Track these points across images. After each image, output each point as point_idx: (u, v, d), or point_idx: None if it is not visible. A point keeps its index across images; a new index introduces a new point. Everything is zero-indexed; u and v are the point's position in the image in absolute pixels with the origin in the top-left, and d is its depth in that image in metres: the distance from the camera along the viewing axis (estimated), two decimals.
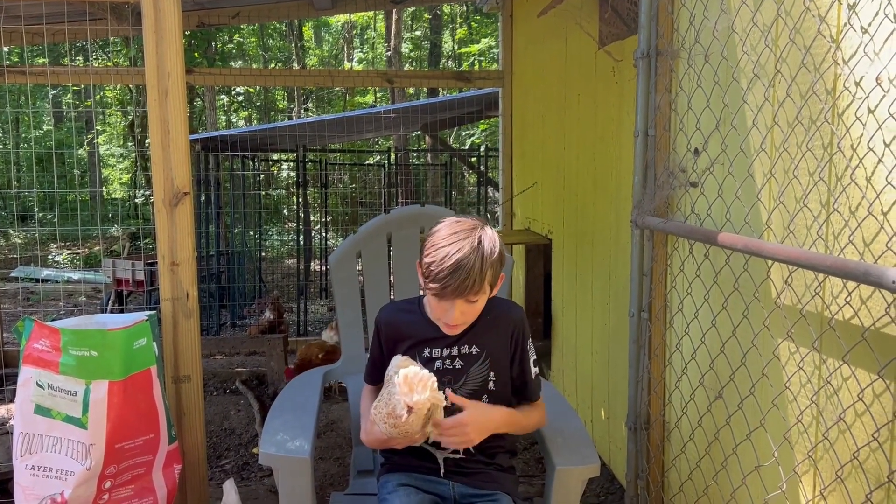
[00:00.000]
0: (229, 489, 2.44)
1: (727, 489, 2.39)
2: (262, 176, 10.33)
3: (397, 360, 1.82)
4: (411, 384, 1.76)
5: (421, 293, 1.95)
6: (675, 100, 2.62)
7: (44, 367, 2.30)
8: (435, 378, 1.78)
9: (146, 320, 2.39)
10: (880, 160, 1.70)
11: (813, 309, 1.96)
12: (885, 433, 1.76)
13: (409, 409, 1.74)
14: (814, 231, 1.92)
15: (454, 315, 1.78)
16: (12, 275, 10.33)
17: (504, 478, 1.99)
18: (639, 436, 2.88)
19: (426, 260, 1.74)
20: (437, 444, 1.90)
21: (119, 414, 2.29)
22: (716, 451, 2.47)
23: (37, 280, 10.16)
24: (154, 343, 2.40)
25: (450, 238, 1.74)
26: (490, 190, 9.45)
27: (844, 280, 1.77)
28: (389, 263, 2.71)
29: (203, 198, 8.09)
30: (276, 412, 2.17)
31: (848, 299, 1.81)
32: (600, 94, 3.56)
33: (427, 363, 1.90)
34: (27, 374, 2.31)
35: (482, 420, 1.83)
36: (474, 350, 1.92)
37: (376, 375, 1.96)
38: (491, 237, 1.78)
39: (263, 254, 10.16)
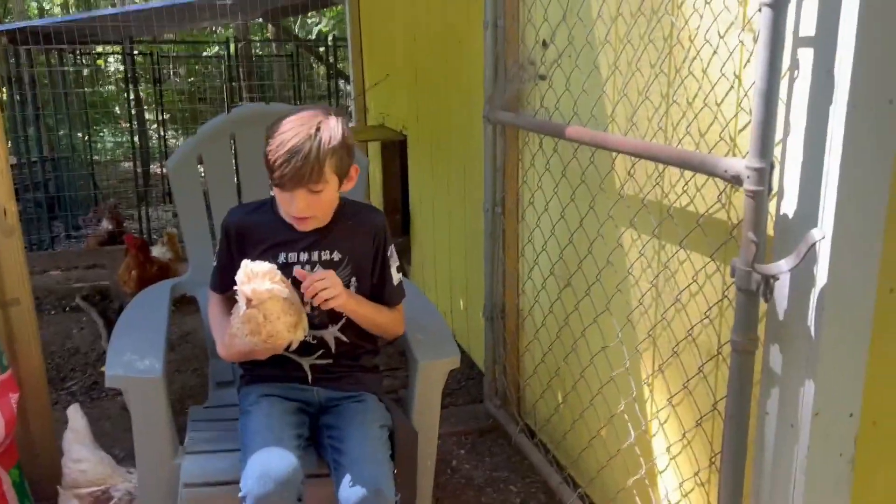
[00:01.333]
0: (74, 414, 2.42)
1: (577, 369, 2.59)
2: (86, 71, 9.76)
3: (246, 263, 1.82)
4: (249, 274, 1.77)
5: (271, 193, 1.96)
6: None
7: None
8: (277, 270, 1.81)
9: None
10: (715, 52, 1.79)
11: (653, 198, 2.07)
12: (715, 311, 1.91)
13: (249, 302, 1.75)
14: (654, 123, 2.02)
15: (298, 206, 1.79)
16: None
17: (368, 378, 2.06)
18: (495, 324, 3.09)
19: (266, 150, 1.78)
20: (300, 352, 1.94)
21: None
22: (566, 336, 2.66)
23: None
24: None
25: (288, 125, 1.77)
26: (342, 83, 9.20)
27: (682, 170, 1.88)
28: (236, 167, 2.73)
29: (18, 98, 7.70)
30: (122, 331, 2.16)
31: (685, 188, 1.92)
32: None
33: (283, 269, 1.90)
34: None
35: (340, 285, 1.87)
36: (336, 256, 1.95)
37: (226, 283, 1.95)
38: (333, 125, 1.80)
39: (95, 157, 9.55)
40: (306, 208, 1.81)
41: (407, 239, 4.69)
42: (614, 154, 2.20)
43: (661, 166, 2.01)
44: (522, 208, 2.90)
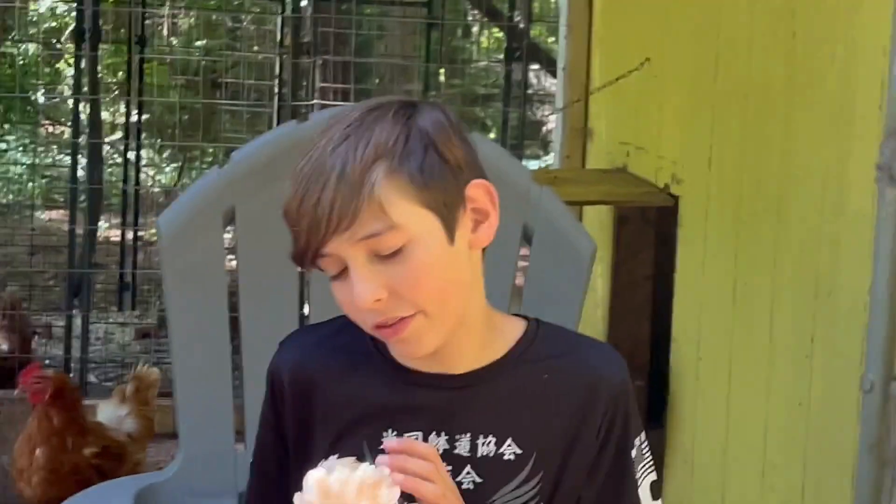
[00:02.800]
0: None
1: None
2: None
3: (316, 472, 1.30)
4: (341, 498, 1.32)
5: None
6: None
7: None
8: (391, 482, 1.32)
9: None
10: None
11: None
12: None
13: None
14: None
15: (356, 287, 1.32)
16: None
17: None
18: None
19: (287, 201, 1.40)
20: None
21: None
22: None
23: None
24: None
25: (321, 134, 1.39)
26: (535, 73, 6.64)
27: None
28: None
29: None
30: None
31: None
32: None
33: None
34: None
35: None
36: (509, 450, 1.44)
37: (273, 501, 1.51)
38: (399, 111, 1.36)
39: None
40: (373, 291, 1.33)
41: (658, 439, 3.36)
42: None
43: None
44: None
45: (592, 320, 3.93)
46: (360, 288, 1.32)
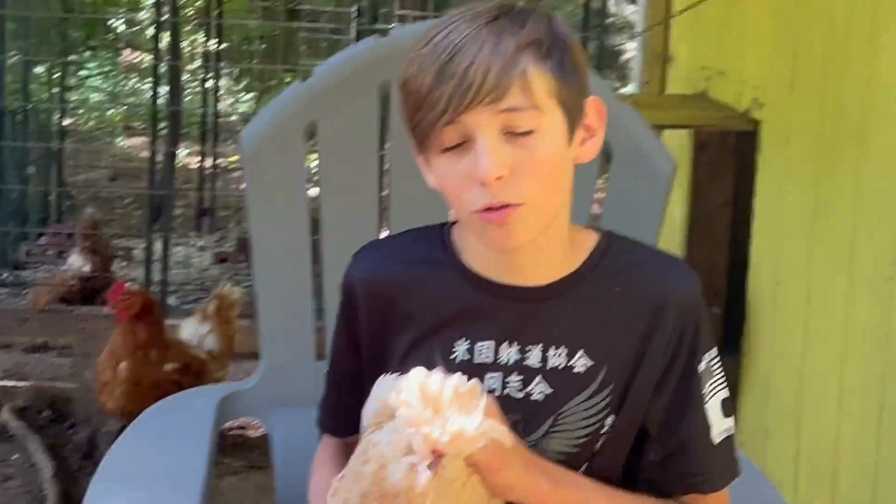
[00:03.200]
0: None
1: None
2: None
3: (414, 374, 1.28)
4: (438, 401, 1.27)
5: (450, 218, 1.52)
6: None
7: None
8: (483, 390, 1.29)
9: None
10: None
11: None
12: None
13: (436, 458, 1.24)
14: None
15: (485, 157, 1.28)
16: None
17: None
18: None
19: (402, 80, 1.33)
20: None
21: None
22: None
23: None
24: None
25: (441, 24, 1.34)
26: (615, 1, 6.52)
27: None
28: (382, 154, 1.97)
29: None
30: (112, 483, 1.63)
31: None
32: None
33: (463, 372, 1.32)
34: None
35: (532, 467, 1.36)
36: (580, 362, 1.40)
37: (348, 413, 1.42)
38: (537, 15, 1.35)
39: (68, 121, 6.69)
40: (500, 165, 1.28)
41: (734, 365, 3.22)
42: None
43: None
44: None
45: (669, 247, 3.80)
46: (488, 160, 1.30)
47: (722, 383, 1.46)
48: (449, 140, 1.30)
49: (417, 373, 1.28)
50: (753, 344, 3.24)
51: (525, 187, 1.31)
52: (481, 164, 1.28)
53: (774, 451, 3.04)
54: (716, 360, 1.44)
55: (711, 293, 3.25)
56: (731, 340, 3.26)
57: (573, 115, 1.34)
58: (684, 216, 3.66)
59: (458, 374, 1.29)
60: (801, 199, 2.93)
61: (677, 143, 3.64)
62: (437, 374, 1.28)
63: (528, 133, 1.29)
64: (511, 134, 1.29)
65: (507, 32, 1.30)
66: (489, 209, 1.31)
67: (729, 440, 1.46)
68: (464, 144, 1.30)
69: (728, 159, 3.36)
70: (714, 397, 1.44)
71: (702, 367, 1.42)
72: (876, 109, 2.52)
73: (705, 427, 1.43)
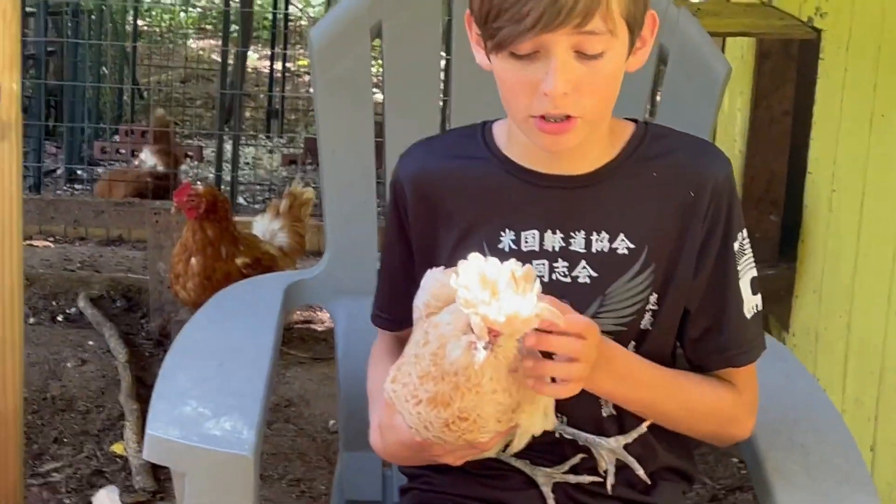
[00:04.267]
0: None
1: None
2: None
3: (472, 260, 1.25)
4: (489, 281, 1.24)
5: (491, 120, 1.52)
6: None
7: None
8: (536, 277, 1.25)
9: None
10: None
11: None
12: None
13: (493, 337, 1.23)
14: None
15: (557, 77, 1.28)
16: None
17: None
18: None
19: None
20: (533, 456, 1.44)
21: None
22: None
23: None
24: None
25: None
26: None
27: None
28: (447, 53, 1.98)
29: None
30: (185, 360, 1.67)
31: None
32: None
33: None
34: None
35: (611, 355, 1.36)
36: (622, 244, 1.42)
37: (399, 307, 1.47)
38: None
39: (141, 22, 6.76)
40: (571, 84, 1.29)
41: (789, 271, 3.21)
42: None
43: None
44: None
45: (730, 154, 3.68)
46: (559, 77, 1.31)
47: (751, 263, 1.48)
48: (523, 49, 1.31)
49: (476, 258, 1.28)
50: (809, 249, 3.19)
51: (585, 103, 1.33)
52: (552, 81, 1.30)
53: (824, 352, 3.00)
54: (746, 241, 1.46)
55: (769, 201, 3.30)
56: (788, 246, 3.26)
57: (636, 32, 1.36)
58: (745, 124, 3.60)
59: (513, 259, 1.28)
60: (858, 108, 2.88)
61: (740, 51, 3.64)
62: (494, 260, 1.27)
63: (599, 56, 1.31)
64: (581, 53, 1.30)
65: None
66: (546, 118, 1.33)
67: (758, 316, 1.47)
68: (535, 54, 1.31)
69: (790, 67, 3.31)
70: (746, 275, 1.46)
71: (736, 245, 1.44)
72: None
73: (739, 302, 1.46)
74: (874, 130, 2.79)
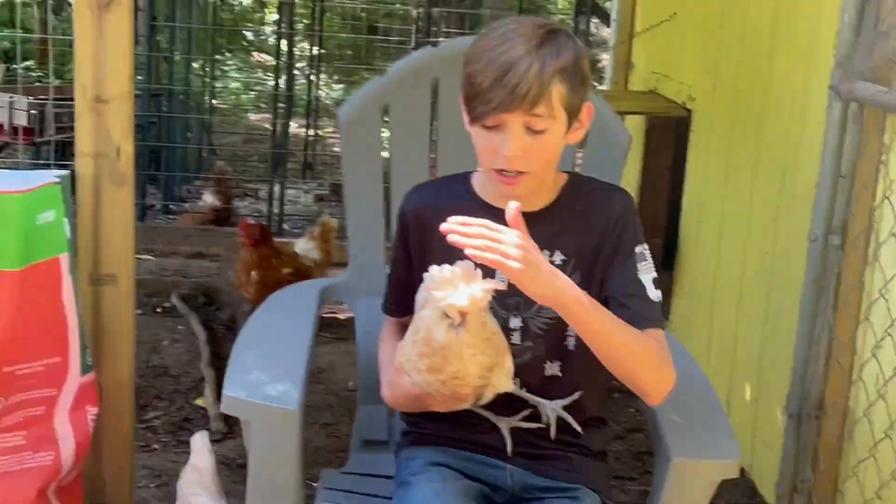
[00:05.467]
0: (200, 446, 1.80)
1: None
2: None
3: (433, 270, 1.27)
4: (450, 280, 1.23)
5: (478, 168, 1.43)
6: None
7: None
8: (480, 275, 1.24)
9: (57, 183, 1.65)
10: None
11: None
12: None
13: (463, 317, 1.20)
14: None
15: (511, 144, 1.29)
16: None
17: (592, 466, 1.45)
18: (804, 427, 1.96)
19: (466, 70, 1.32)
20: (496, 409, 1.39)
21: (12, 321, 1.62)
22: None
23: None
24: (66, 220, 1.67)
25: (502, 37, 1.30)
26: (594, 23, 6.02)
27: None
28: (432, 127, 1.93)
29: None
30: (250, 341, 1.63)
31: None
32: None
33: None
34: None
35: (549, 272, 1.25)
36: (557, 257, 1.39)
37: (402, 301, 1.44)
38: (563, 40, 1.30)
39: (215, 101, 6.70)
40: (521, 150, 1.30)
41: (668, 278, 3.20)
42: None
43: None
44: (878, 242, 1.83)
45: (631, 193, 3.71)
46: (513, 145, 1.30)
47: (651, 267, 1.43)
48: (489, 122, 1.31)
49: (434, 269, 1.28)
50: (683, 263, 3.18)
51: (530, 164, 1.32)
52: (507, 147, 1.30)
53: (695, 336, 2.94)
54: (647, 251, 1.42)
55: (655, 228, 3.13)
56: (669, 260, 3.24)
57: (573, 116, 1.35)
58: (639, 174, 3.57)
59: (458, 261, 1.27)
60: (717, 165, 2.88)
61: (635, 124, 3.58)
62: (447, 266, 1.27)
63: (542, 131, 1.31)
64: (530, 129, 1.30)
65: (548, 59, 1.29)
66: (502, 173, 1.33)
67: (658, 304, 1.41)
68: (497, 127, 1.30)
69: (670, 136, 3.29)
70: (648, 274, 1.42)
71: (637, 250, 1.41)
72: (770, 105, 2.49)
73: (641, 287, 1.40)
74: (728, 180, 2.77)
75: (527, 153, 1.32)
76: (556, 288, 1.26)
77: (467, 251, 1.22)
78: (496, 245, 1.21)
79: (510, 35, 1.31)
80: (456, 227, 1.23)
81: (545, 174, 1.38)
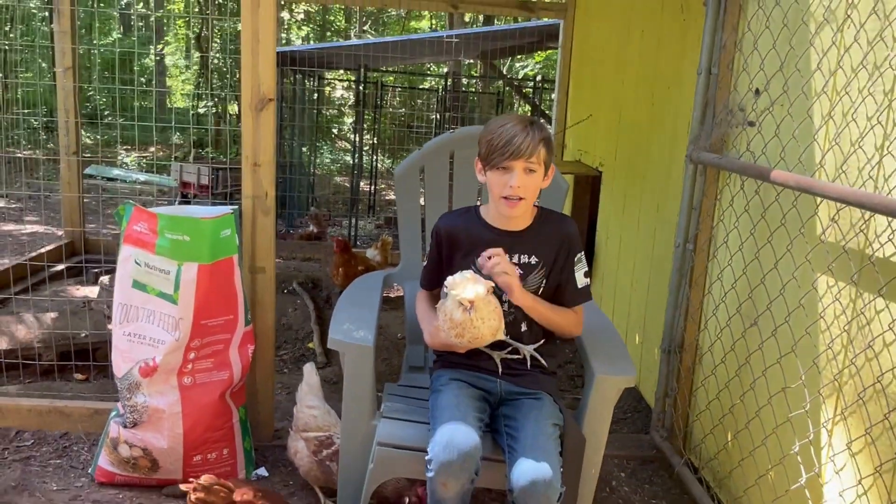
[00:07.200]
0: (310, 371, 1.74)
1: (753, 408, 1.64)
2: (318, 93, 6.97)
3: (451, 277, 1.27)
4: (461, 282, 1.21)
5: (477, 203, 1.51)
6: (742, 40, 1.70)
7: (142, 247, 1.62)
8: (488, 282, 1.25)
9: (231, 213, 1.69)
10: None
11: (855, 246, 1.34)
12: None
13: (472, 304, 1.21)
14: (865, 173, 1.28)
15: (517, 178, 1.29)
16: (86, 172, 6.24)
17: (547, 380, 1.44)
18: (671, 358, 1.99)
19: (486, 139, 1.31)
20: (493, 347, 1.39)
21: (205, 294, 1.65)
22: (745, 374, 1.68)
23: (108, 178, 6.45)
24: (236, 235, 1.71)
25: (506, 120, 1.32)
26: (542, 121, 5.70)
27: (889, 219, 1.18)
28: (450, 180, 1.91)
29: None
30: (343, 306, 1.61)
31: (891, 236, 1.20)
32: (665, 30, 2.41)
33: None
34: (127, 253, 1.64)
35: (518, 286, 1.31)
36: (533, 259, 1.39)
37: (434, 280, 1.46)
38: (542, 125, 1.33)
39: (315, 170, 6.65)
40: (521, 183, 1.29)
41: (592, 270, 3.18)
42: (819, 200, 1.41)
43: (867, 214, 1.27)
44: (715, 247, 1.88)
45: None
46: (518, 181, 1.31)
47: (585, 266, 1.46)
48: (502, 167, 1.33)
49: (453, 275, 1.30)
50: (598, 265, 3.13)
51: (526, 193, 1.35)
52: (514, 181, 1.32)
53: (605, 305, 2.87)
54: (582, 256, 1.46)
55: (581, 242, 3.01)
56: (590, 262, 2.85)
57: (546, 168, 1.38)
58: (570, 209, 3.46)
59: (469, 269, 1.32)
60: (617, 204, 2.90)
61: (569, 179, 3.39)
62: (459, 272, 1.30)
63: (533, 172, 1.33)
64: (527, 170, 1.32)
65: (534, 133, 1.31)
66: (509, 198, 1.35)
67: (586, 288, 1.46)
68: (506, 169, 1.32)
69: (588, 187, 3.28)
70: (581, 270, 1.45)
71: (577, 257, 1.45)
72: (649, 168, 2.47)
73: (574, 281, 1.43)
74: (624, 212, 2.74)
75: (524, 186, 1.33)
76: (518, 292, 1.34)
77: (486, 270, 1.30)
78: (499, 269, 1.30)
79: (511, 121, 1.34)
80: (483, 257, 1.32)
81: (530, 203, 1.41)
